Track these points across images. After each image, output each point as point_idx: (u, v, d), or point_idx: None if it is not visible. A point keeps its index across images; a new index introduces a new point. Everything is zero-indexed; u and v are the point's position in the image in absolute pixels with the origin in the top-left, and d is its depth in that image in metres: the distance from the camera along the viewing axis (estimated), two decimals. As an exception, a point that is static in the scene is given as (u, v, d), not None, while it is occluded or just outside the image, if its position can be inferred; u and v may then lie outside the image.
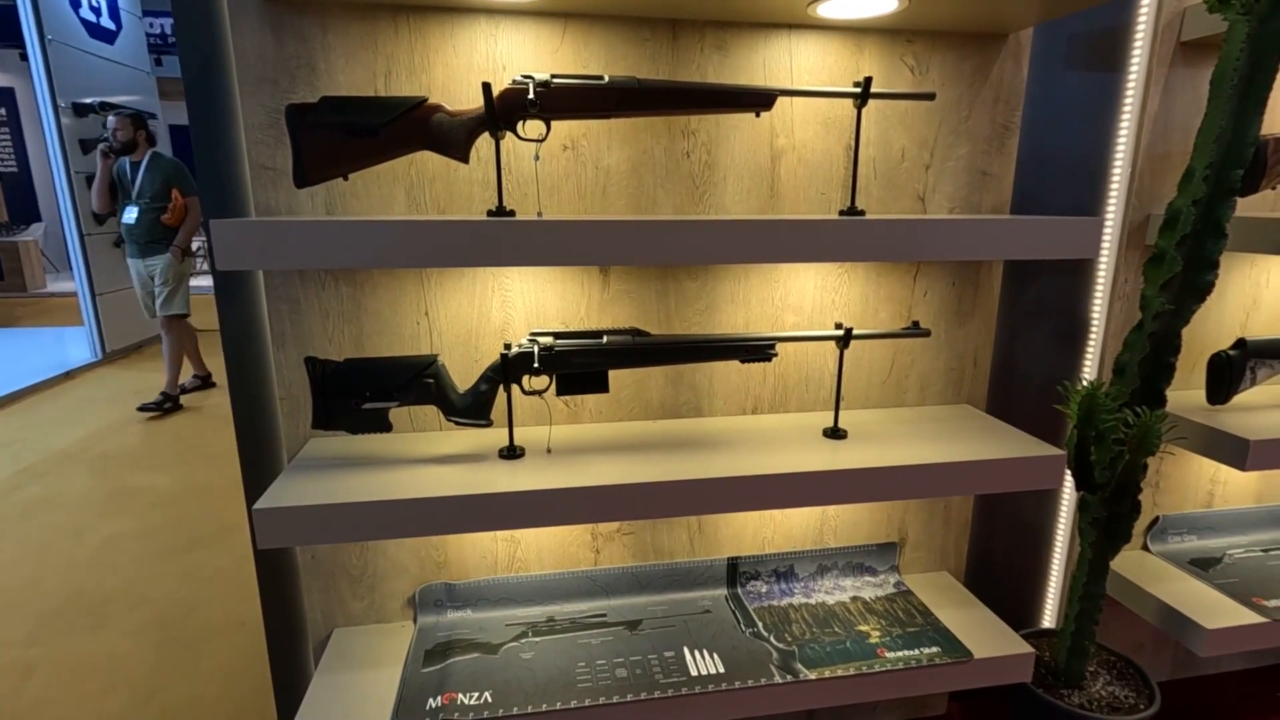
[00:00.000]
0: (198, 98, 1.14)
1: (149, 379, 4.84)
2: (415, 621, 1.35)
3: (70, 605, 2.20)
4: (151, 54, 6.28)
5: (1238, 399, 1.47)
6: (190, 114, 1.14)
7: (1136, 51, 1.35)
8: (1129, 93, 1.37)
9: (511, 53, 1.17)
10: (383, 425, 1.16)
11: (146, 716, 1.72)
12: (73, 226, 5.05)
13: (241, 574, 2.37)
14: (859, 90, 1.15)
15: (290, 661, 1.38)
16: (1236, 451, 1.31)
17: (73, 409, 4.17)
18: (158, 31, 7.91)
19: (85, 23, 5.22)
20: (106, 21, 5.48)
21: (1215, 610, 1.41)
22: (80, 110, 5.05)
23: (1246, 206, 1.46)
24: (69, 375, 4.84)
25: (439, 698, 1.16)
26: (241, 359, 1.23)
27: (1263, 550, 1.64)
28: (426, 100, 1.05)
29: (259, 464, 1.27)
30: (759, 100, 1.13)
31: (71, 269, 5.23)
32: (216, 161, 1.15)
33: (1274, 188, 1.40)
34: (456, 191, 1.21)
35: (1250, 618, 1.39)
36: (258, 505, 1.02)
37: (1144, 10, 1.32)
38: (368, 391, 1.13)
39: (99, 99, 5.25)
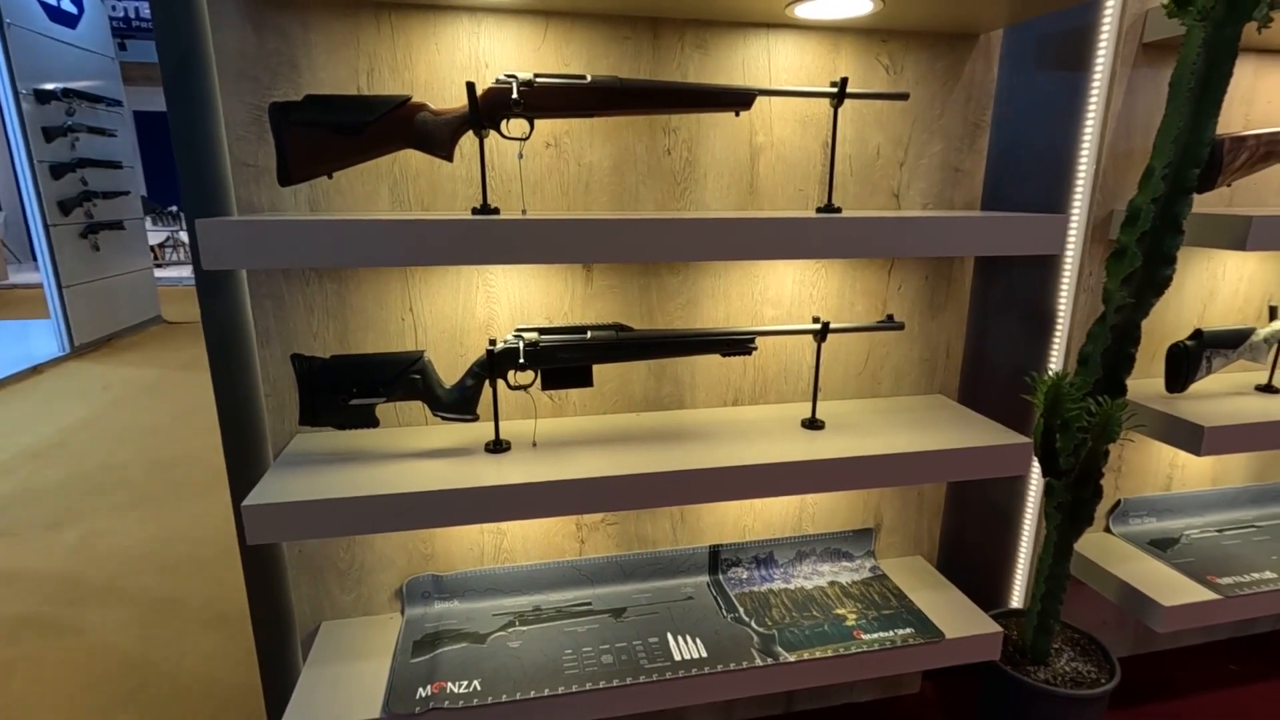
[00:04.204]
0: (177, 93, 1.13)
1: (119, 373, 4.76)
2: (403, 613, 1.37)
3: (48, 603, 2.18)
4: (115, 38, 6.09)
5: (1194, 387, 1.54)
6: (170, 110, 1.14)
7: (1101, 52, 1.39)
8: (1094, 92, 1.42)
9: (494, 51, 1.18)
10: (369, 421, 1.17)
11: (130, 712, 1.72)
12: (37, 216, 4.92)
13: (223, 567, 2.36)
14: (835, 90, 1.18)
15: (278, 655, 1.39)
16: (1192, 437, 1.37)
17: (42, 404, 4.09)
18: (121, 15, 7.69)
19: (45, 6, 5.06)
20: (68, 5, 5.31)
21: (1172, 588, 1.48)
22: (42, 97, 4.91)
23: (1203, 203, 1.52)
24: (36, 370, 4.73)
25: (428, 687, 1.18)
26: (226, 356, 1.23)
27: (1217, 530, 1.72)
28: (410, 99, 1.06)
29: (245, 460, 1.27)
30: (738, 100, 1.15)
31: (36, 260, 5.10)
32: (198, 158, 1.15)
33: (1230, 185, 1.46)
34: (440, 189, 1.22)
35: (1204, 595, 1.47)
36: (246, 502, 1.02)
37: (1108, 13, 1.37)
38: (354, 387, 1.14)
39: (61, 85, 5.10)
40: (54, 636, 2.02)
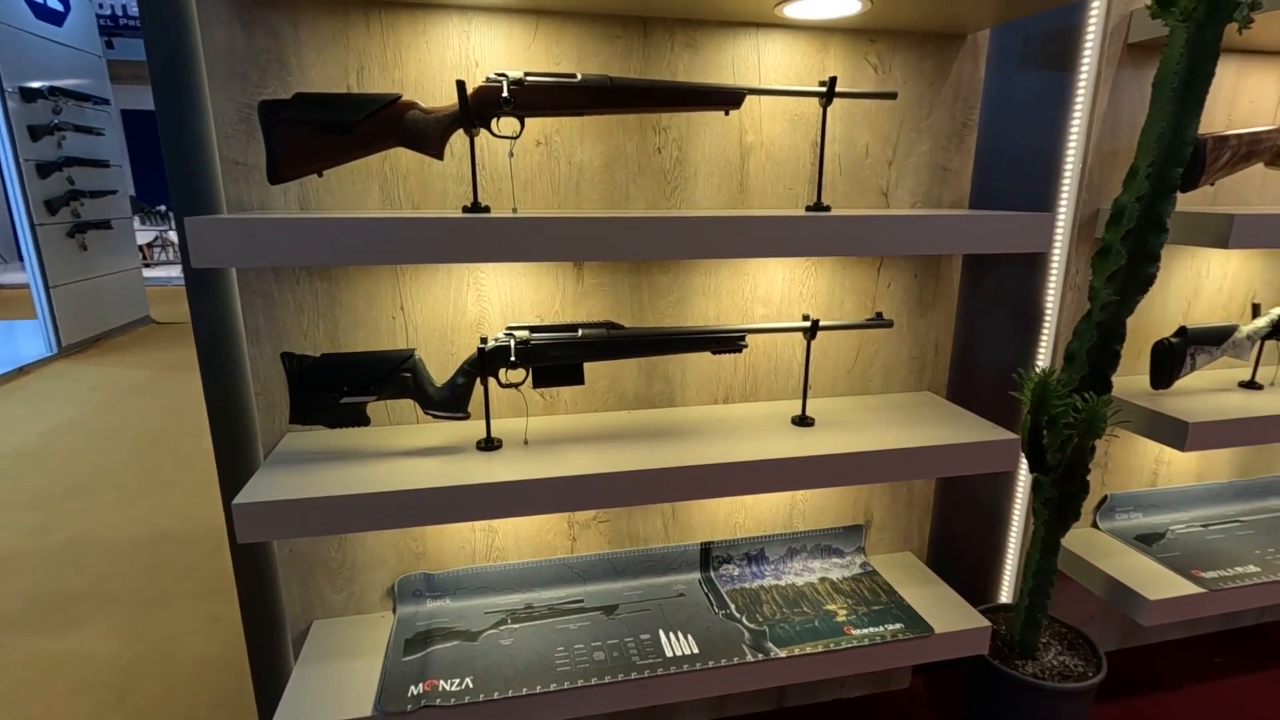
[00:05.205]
0: (166, 91, 1.13)
1: (107, 373, 4.72)
2: (395, 612, 1.37)
3: (36, 606, 2.16)
4: (103, 36, 6.04)
5: (1179, 384, 1.56)
6: (158, 108, 1.13)
7: (1087, 52, 1.41)
8: (1080, 92, 1.43)
9: (484, 49, 1.19)
10: (360, 419, 1.17)
11: (120, 715, 1.71)
12: (23, 216, 4.87)
13: (212, 569, 2.35)
14: (824, 89, 1.19)
15: (269, 655, 1.39)
16: (1177, 433, 1.39)
17: (29, 405, 4.05)
18: (109, 12, 7.63)
19: (31, 3, 5.01)
20: (54, 2, 5.27)
21: (1158, 582, 1.50)
22: (28, 95, 4.86)
23: (1187, 202, 1.54)
24: (22, 371, 4.69)
25: (420, 685, 1.18)
26: (215, 355, 1.23)
27: (1202, 525, 1.74)
28: (400, 97, 1.06)
29: (235, 459, 1.27)
30: (728, 99, 1.16)
31: (22, 260, 5.06)
32: (186, 156, 1.15)
33: (1213, 184, 1.48)
34: (430, 187, 1.22)
35: (1189, 589, 1.48)
36: (236, 500, 1.02)
37: (1094, 13, 1.38)
38: (345, 386, 1.14)
39: (47, 83, 5.06)
40: (43, 639, 2.01)
